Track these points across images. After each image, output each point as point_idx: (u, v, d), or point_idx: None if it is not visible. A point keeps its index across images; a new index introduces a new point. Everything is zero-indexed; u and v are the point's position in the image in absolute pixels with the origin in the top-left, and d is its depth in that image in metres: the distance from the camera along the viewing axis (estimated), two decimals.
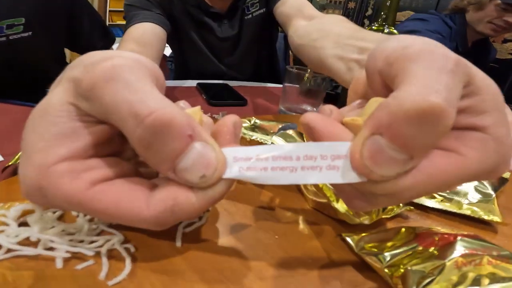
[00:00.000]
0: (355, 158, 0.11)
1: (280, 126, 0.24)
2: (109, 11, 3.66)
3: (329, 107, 0.15)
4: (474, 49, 1.20)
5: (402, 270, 0.16)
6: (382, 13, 0.56)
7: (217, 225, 0.19)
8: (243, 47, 0.87)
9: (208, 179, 0.12)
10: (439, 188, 0.13)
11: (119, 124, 0.12)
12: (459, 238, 0.15)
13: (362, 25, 2.04)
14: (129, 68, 0.12)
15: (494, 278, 0.14)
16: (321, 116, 0.13)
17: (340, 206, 0.19)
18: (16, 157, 0.26)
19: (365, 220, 0.18)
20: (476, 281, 0.13)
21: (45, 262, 0.15)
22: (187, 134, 0.12)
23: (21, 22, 0.67)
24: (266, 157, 0.12)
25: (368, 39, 0.30)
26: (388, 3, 0.55)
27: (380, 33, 0.31)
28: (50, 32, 0.71)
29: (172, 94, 0.58)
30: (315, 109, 0.54)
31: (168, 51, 0.94)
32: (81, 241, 0.16)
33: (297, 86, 0.52)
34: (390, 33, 0.54)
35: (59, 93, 0.13)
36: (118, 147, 0.15)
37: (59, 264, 0.15)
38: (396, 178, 0.12)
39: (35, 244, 0.16)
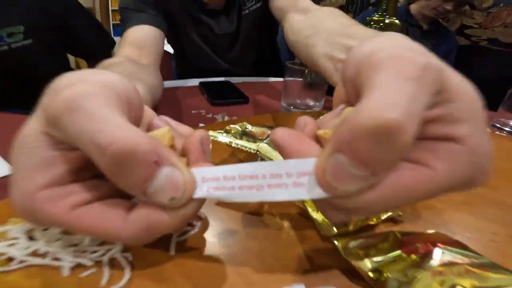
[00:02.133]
0: (319, 175, 0.12)
1: (269, 133, 0.25)
2: (112, 10, 3.66)
3: (305, 119, 0.15)
4: (433, 29, 1.49)
5: (385, 275, 0.16)
6: (384, 2, 0.55)
7: (209, 233, 0.20)
8: (242, 42, 0.86)
9: (178, 201, 0.13)
10: (407, 201, 0.12)
11: (86, 152, 0.12)
12: (439, 246, 0.16)
13: (367, 9, 1.99)
14: (91, 96, 0.12)
15: None
16: (290, 133, 0.13)
17: (321, 219, 0.20)
18: None
19: (348, 227, 0.19)
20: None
21: (53, 271, 0.17)
22: (152, 160, 0.12)
23: (20, 31, 0.68)
24: (233, 176, 0.13)
25: (357, 37, 0.28)
26: None
27: (371, 30, 0.29)
28: (49, 39, 0.72)
29: (175, 95, 0.59)
30: (317, 103, 0.54)
31: (170, 48, 0.94)
32: (84, 251, 0.17)
33: (299, 80, 0.52)
34: (392, 23, 0.53)
35: (33, 123, 0.14)
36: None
37: (65, 272, 0.17)
38: (361, 193, 0.12)
39: (43, 255, 0.17)
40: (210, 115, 0.47)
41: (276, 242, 0.20)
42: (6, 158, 0.32)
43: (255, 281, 0.17)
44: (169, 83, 0.66)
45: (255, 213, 0.23)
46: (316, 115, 0.25)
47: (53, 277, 0.17)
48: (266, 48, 0.96)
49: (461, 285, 0.14)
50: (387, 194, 0.12)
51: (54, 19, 0.73)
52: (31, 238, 0.18)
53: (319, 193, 0.12)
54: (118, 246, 0.18)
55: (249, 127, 0.26)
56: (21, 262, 0.17)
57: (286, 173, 0.12)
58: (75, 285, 0.16)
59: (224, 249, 0.19)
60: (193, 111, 0.49)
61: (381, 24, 0.52)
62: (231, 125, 0.27)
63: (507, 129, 0.61)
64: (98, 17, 3.71)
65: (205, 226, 0.21)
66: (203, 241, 0.20)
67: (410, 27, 1.46)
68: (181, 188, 0.13)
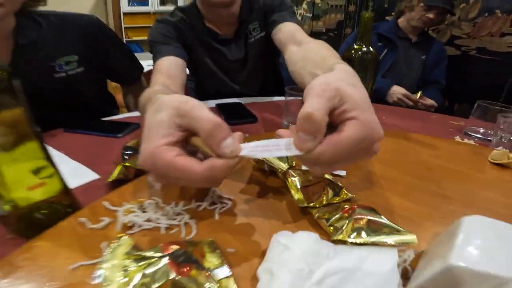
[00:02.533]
0: (294, 142, 0.24)
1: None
2: (125, 28, 3.90)
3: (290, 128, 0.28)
4: (422, 40, 1.59)
5: (334, 226, 0.30)
6: (359, 33, 0.66)
7: (236, 206, 0.35)
8: (250, 66, 0.99)
9: (232, 153, 0.25)
10: (340, 153, 0.23)
11: (195, 130, 0.25)
12: (357, 207, 0.30)
13: None
14: (198, 104, 0.26)
15: (370, 230, 0.28)
16: (283, 130, 0.27)
17: (298, 197, 0.33)
18: (115, 173, 0.41)
19: (316, 204, 0.33)
20: (358, 229, 0.28)
21: (156, 230, 0.30)
22: (227, 132, 0.25)
23: (74, 59, 0.79)
24: (257, 145, 0.26)
25: (325, 69, 0.37)
26: (362, 26, 0.65)
27: (341, 64, 0.40)
28: (96, 66, 0.83)
29: None
30: None
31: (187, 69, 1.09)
32: (172, 219, 0.31)
33: (298, 99, 0.65)
34: (367, 51, 0.64)
35: (164, 115, 0.26)
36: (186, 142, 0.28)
37: (162, 231, 0.31)
38: (314, 149, 0.23)
39: (151, 221, 0.31)
40: None
41: (275, 208, 0.34)
42: (91, 167, 0.47)
43: (262, 227, 0.31)
44: None
45: (262, 195, 0.37)
46: None
47: (156, 234, 0.30)
48: (270, 70, 1.09)
49: (363, 228, 0.28)
50: (327, 148, 0.23)
51: (100, 51, 0.84)
52: (143, 211, 0.32)
53: (295, 151, 0.24)
54: (188, 215, 0.32)
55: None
56: (139, 226, 0.31)
57: (281, 144, 0.25)
58: (168, 238, 0.30)
59: (244, 213, 0.33)
60: None
61: (359, 52, 0.65)
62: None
63: (477, 135, 0.73)
64: (111, 20, 3.93)
65: (233, 204, 0.35)
66: (232, 211, 0.34)
67: (400, 40, 1.54)
68: (236, 147, 0.26)
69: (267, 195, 0.37)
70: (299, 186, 0.34)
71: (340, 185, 0.35)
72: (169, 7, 4.15)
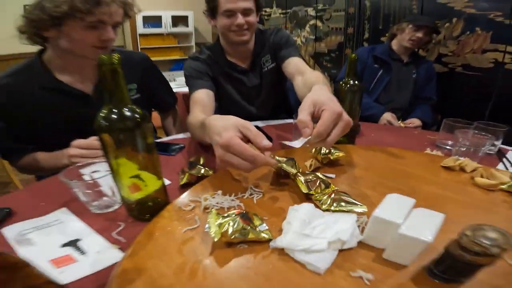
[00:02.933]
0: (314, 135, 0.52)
1: (285, 159, 0.62)
2: (141, 49, 4.22)
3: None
4: (412, 60, 1.77)
5: (322, 202, 0.52)
6: (347, 70, 0.88)
7: (266, 194, 0.57)
8: (265, 91, 1.23)
9: (266, 147, 0.51)
10: (326, 126, 0.52)
11: (247, 134, 0.52)
12: (336, 192, 0.52)
13: (362, 45, 2.34)
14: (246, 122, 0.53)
15: (342, 204, 0.50)
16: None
17: (303, 188, 0.55)
18: (184, 179, 0.65)
19: (314, 192, 0.55)
20: (335, 203, 0.50)
21: (221, 210, 0.53)
22: (263, 138, 0.51)
23: (134, 87, 1.01)
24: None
25: (309, 89, 0.65)
26: (348, 65, 0.87)
27: (316, 84, 0.69)
28: (147, 95, 1.06)
29: None
30: None
31: None
32: (229, 202, 0.54)
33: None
34: (354, 83, 0.85)
35: (233, 121, 0.53)
36: None
37: (225, 209, 0.53)
38: (312, 133, 0.52)
39: (219, 203, 0.54)
40: None
41: (289, 195, 0.57)
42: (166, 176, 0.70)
43: (282, 205, 0.53)
44: None
45: (281, 188, 0.59)
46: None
47: (221, 211, 0.53)
48: (280, 94, 1.32)
49: (337, 199, 0.50)
50: (318, 128, 0.52)
51: (150, 82, 1.06)
52: (213, 198, 0.54)
53: (304, 141, 0.51)
54: (238, 201, 0.54)
55: (277, 158, 0.63)
56: (213, 206, 0.53)
57: (295, 142, 0.51)
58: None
59: (271, 198, 0.56)
60: None
61: (348, 85, 0.87)
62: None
63: (446, 147, 0.94)
64: (128, 40, 4.24)
65: (263, 194, 0.57)
66: (263, 198, 0.56)
67: (393, 61, 1.76)
68: (269, 143, 0.51)
69: (284, 188, 0.60)
70: (303, 182, 0.56)
71: (329, 181, 0.57)
72: (181, 28, 4.44)
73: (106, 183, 0.55)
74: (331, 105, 0.53)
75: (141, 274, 0.40)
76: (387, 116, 1.64)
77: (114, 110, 0.45)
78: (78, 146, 0.73)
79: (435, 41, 1.96)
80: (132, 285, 0.38)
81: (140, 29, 4.15)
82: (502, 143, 0.91)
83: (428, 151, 0.87)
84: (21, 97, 0.84)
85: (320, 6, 2.65)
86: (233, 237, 0.42)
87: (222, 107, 1.24)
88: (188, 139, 0.99)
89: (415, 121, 1.65)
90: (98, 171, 0.58)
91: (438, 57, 1.99)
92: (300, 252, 0.41)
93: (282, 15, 3.09)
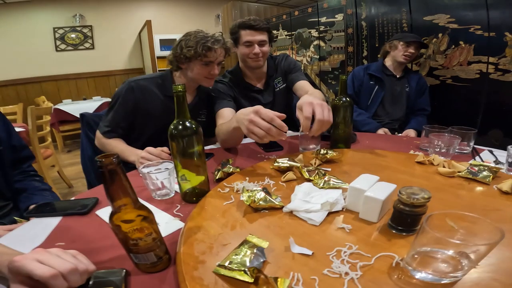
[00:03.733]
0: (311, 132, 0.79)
1: (287, 158, 0.85)
2: (158, 70, 4.57)
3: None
4: (404, 74, 1.94)
5: (319, 184, 0.74)
6: (340, 89, 1.11)
7: (278, 184, 0.80)
8: (277, 107, 1.48)
9: (282, 127, 0.81)
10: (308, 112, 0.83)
11: (265, 114, 0.82)
12: (328, 175, 0.74)
13: (362, 63, 2.57)
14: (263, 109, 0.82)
15: (332, 183, 0.72)
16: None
17: (306, 175, 0.78)
18: (218, 175, 0.88)
19: (313, 178, 0.77)
20: (327, 183, 0.72)
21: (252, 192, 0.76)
22: (279, 117, 0.76)
23: (204, 111, 1.38)
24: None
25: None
26: (340, 85, 1.10)
27: (310, 91, 1.03)
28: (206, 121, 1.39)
29: (248, 146, 1.20)
30: (317, 146, 1.12)
31: None
32: (253, 187, 0.77)
33: (307, 134, 1.11)
34: (345, 100, 1.09)
35: (256, 106, 0.82)
36: None
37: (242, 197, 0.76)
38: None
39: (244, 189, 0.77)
40: (266, 157, 1.07)
41: (296, 181, 0.79)
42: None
43: (290, 188, 0.76)
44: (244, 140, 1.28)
45: (287, 178, 0.82)
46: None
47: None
48: (288, 111, 1.57)
49: (327, 181, 0.72)
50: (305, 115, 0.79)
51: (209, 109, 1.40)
52: (241, 184, 0.77)
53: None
54: (259, 186, 0.77)
55: (287, 159, 0.86)
56: (241, 190, 0.76)
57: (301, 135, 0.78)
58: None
59: (283, 185, 0.78)
60: (258, 155, 1.10)
61: (341, 101, 1.09)
62: (279, 159, 0.87)
63: (427, 149, 1.14)
64: (147, 62, 4.57)
65: (276, 182, 0.80)
66: (277, 183, 0.79)
67: (387, 77, 1.94)
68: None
69: (289, 177, 0.82)
70: (306, 171, 0.79)
71: (325, 172, 0.80)
72: None
73: (165, 178, 0.79)
74: (308, 99, 0.85)
75: (200, 229, 0.63)
76: (381, 132, 1.79)
77: (181, 122, 0.70)
78: (149, 152, 1.00)
79: (426, 56, 2.17)
80: (195, 236, 0.61)
81: (158, 51, 4.50)
82: (495, 146, 1.10)
83: (411, 152, 1.07)
84: (151, 97, 1.22)
85: (322, 28, 2.91)
86: (258, 204, 0.65)
87: None
88: (216, 148, 1.23)
89: (410, 132, 1.79)
90: (159, 169, 0.82)
91: (430, 71, 2.18)
92: (303, 212, 0.63)
93: (288, 37, 3.38)
